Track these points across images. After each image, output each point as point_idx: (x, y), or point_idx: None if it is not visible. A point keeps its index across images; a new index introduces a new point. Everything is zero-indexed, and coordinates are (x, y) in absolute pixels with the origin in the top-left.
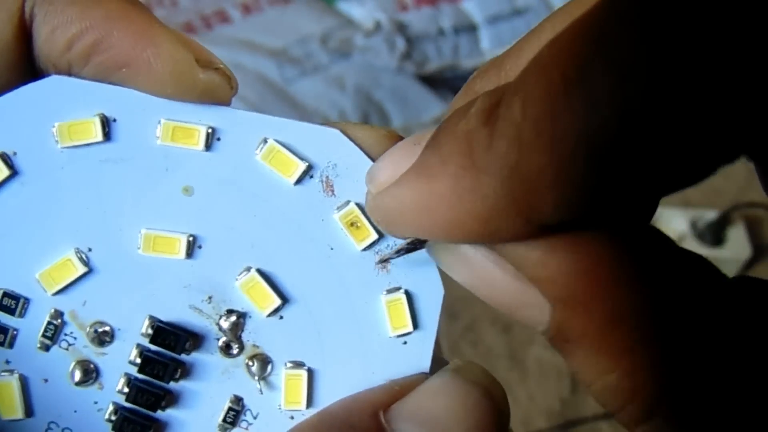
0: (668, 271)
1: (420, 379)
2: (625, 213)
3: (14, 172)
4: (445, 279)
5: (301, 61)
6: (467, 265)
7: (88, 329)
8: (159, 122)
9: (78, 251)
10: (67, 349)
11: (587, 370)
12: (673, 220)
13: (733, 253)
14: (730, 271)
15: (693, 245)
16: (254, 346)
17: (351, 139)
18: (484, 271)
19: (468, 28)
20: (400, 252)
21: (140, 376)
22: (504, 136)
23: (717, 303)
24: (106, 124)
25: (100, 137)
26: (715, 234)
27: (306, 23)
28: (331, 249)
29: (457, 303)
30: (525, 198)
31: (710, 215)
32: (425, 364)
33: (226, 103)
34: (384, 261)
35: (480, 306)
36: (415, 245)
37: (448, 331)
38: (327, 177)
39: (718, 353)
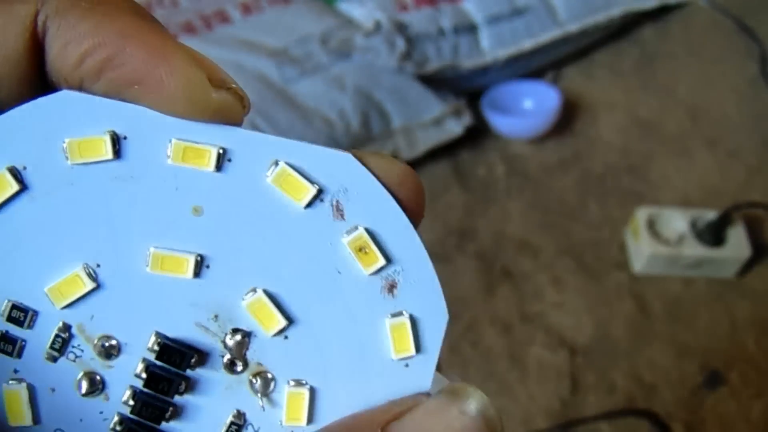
0: None
1: (419, 399)
2: None
3: (24, 186)
4: (447, 279)
5: (301, 61)
6: None
7: (95, 342)
8: (170, 141)
9: (86, 267)
10: (74, 360)
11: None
12: (673, 220)
13: (733, 253)
14: (730, 271)
15: (693, 245)
16: (258, 364)
17: (364, 165)
18: None
19: (468, 28)
20: None
21: (145, 389)
22: None
23: None
24: (117, 141)
25: (110, 155)
26: (715, 234)
27: (306, 23)
28: (339, 273)
29: (457, 303)
30: None
31: (710, 215)
32: (425, 386)
33: (239, 123)
34: None
35: (480, 306)
36: None
37: (449, 331)
38: (337, 201)
39: None
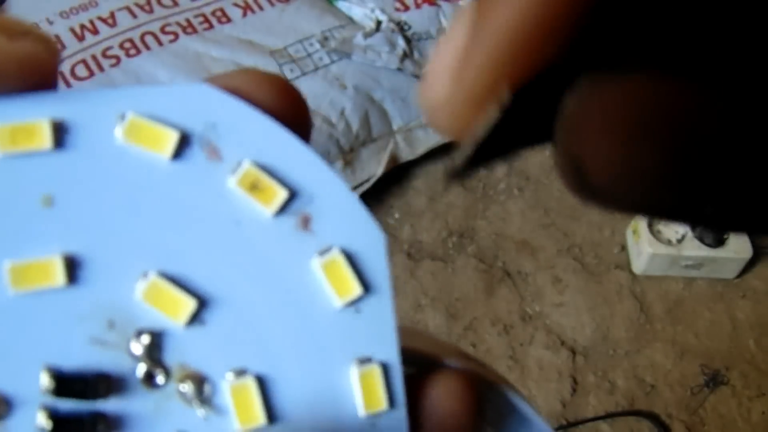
0: None
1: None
2: None
3: None
4: (447, 279)
5: (301, 61)
6: None
7: None
8: None
9: None
10: None
11: None
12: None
13: (734, 253)
14: (731, 271)
15: (693, 245)
16: (181, 365)
17: (226, 91)
18: None
19: None
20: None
21: None
22: None
23: None
24: None
25: None
26: (716, 234)
27: (306, 23)
28: (238, 223)
29: (457, 303)
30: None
31: None
32: (388, 331)
33: (52, 71)
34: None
35: (480, 306)
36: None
37: (448, 331)
38: (208, 141)
39: None
